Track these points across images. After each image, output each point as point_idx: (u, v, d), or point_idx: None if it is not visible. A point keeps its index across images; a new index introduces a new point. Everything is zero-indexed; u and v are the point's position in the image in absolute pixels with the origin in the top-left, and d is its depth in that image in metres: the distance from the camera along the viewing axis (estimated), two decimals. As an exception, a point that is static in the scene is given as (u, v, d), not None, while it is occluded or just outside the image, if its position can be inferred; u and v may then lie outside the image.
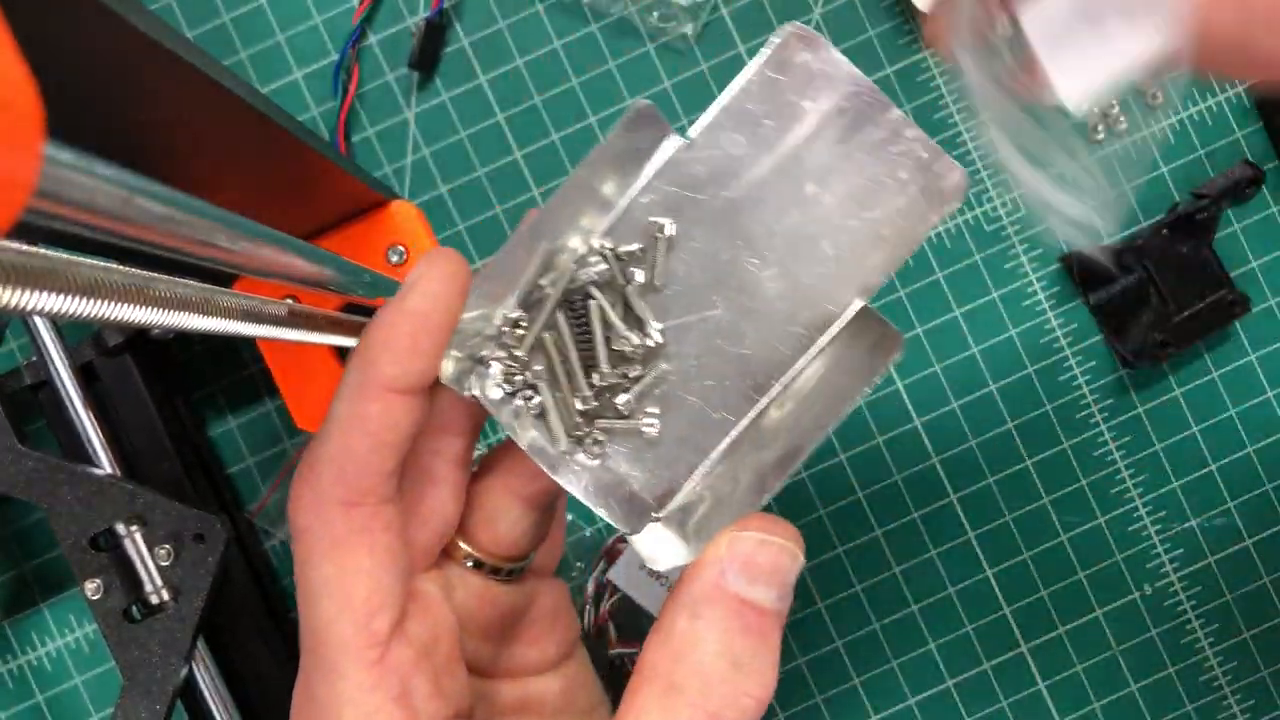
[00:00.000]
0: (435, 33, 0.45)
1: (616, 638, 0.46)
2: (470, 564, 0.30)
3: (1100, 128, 0.47)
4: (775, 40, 0.28)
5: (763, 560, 0.26)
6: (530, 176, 0.46)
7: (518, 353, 0.28)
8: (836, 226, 0.28)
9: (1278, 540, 0.47)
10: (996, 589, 0.47)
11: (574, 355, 0.28)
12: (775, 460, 0.28)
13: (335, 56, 0.46)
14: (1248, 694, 0.46)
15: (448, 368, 0.28)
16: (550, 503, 0.31)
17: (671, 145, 0.28)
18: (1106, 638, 0.47)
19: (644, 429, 0.28)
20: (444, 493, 0.29)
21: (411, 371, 0.27)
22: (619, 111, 0.46)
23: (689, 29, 0.46)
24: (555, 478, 0.28)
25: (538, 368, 0.28)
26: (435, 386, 0.28)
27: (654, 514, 0.28)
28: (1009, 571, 0.47)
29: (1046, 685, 0.47)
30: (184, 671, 0.39)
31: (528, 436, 0.28)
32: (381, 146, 0.46)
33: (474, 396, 0.28)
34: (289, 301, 0.30)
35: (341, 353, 0.40)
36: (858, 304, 0.28)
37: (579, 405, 0.28)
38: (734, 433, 0.28)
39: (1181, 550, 0.47)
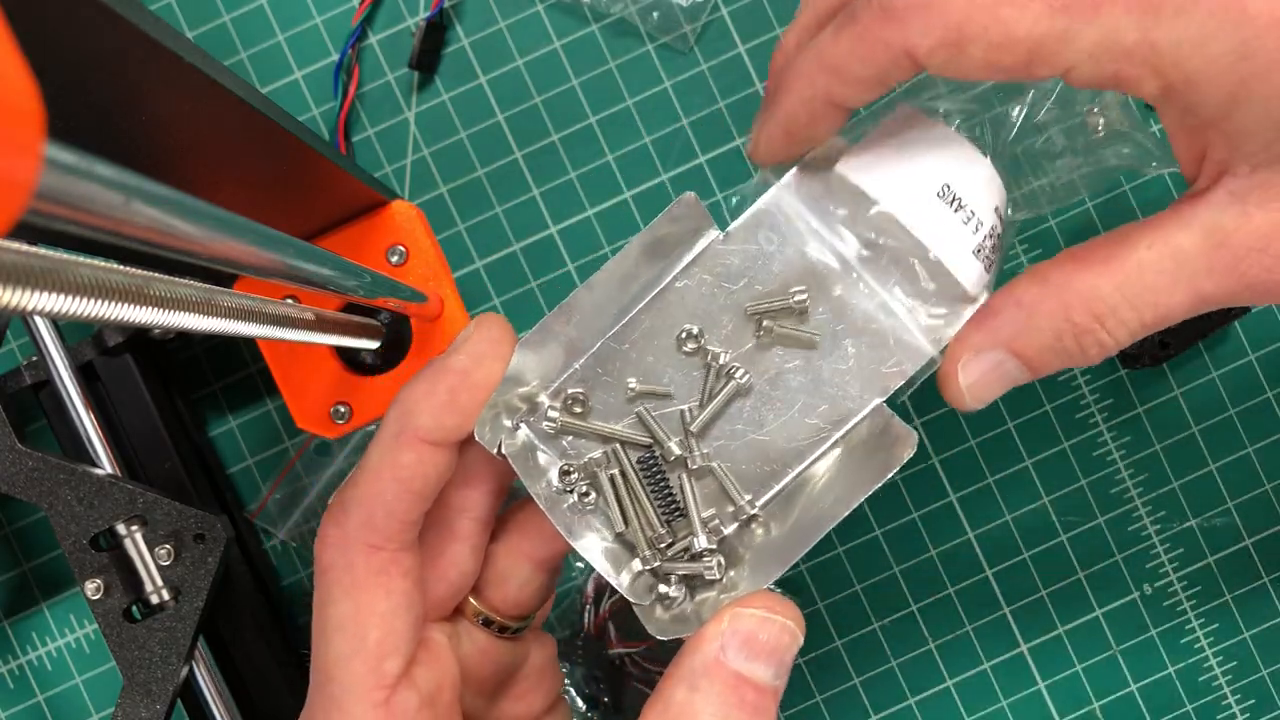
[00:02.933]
0: (435, 33, 0.45)
1: (617, 638, 0.46)
2: (480, 620, 0.31)
3: (1101, 125, 0.47)
4: (817, 150, 0.30)
5: (764, 637, 0.26)
6: (530, 176, 0.46)
7: (582, 460, 0.29)
8: (860, 328, 0.29)
9: (1277, 540, 0.47)
10: (996, 589, 0.47)
11: (643, 493, 0.29)
12: (782, 546, 0.28)
13: (335, 56, 0.46)
14: (1247, 694, 0.46)
15: (484, 426, 0.29)
16: (559, 565, 0.32)
17: (710, 237, 0.29)
18: (1106, 637, 0.47)
19: (705, 572, 0.29)
20: (464, 549, 0.30)
21: (447, 425, 0.28)
22: (619, 112, 0.46)
23: (689, 29, 0.46)
24: (573, 543, 0.29)
25: (593, 456, 0.29)
26: (466, 444, 0.29)
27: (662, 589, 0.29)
28: (1009, 571, 0.47)
29: (1046, 685, 0.47)
30: (184, 671, 0.39)
31: (554, 501, 0.29)
32: (381, 146, 0.46)
33: (504, 456, 0.29)
34: (289, 301, 0.30)
35: (342, 353, 0.40)
36: (875, 403, 0.29)
37: (649, 548, 0.29)
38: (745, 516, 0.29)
39: (1181, 550, 0.47)
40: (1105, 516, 0.47)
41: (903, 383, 0.29)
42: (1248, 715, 0.46)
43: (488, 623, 0.31)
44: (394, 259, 0.40)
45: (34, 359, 0.42)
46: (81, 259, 0.17)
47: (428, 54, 0.45)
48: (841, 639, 0.47)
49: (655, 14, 0.46)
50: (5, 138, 0.12)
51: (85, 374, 0.43)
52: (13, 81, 0.12)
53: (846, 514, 0.28)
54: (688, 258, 0.29)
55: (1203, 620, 0.47)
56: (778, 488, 0.29)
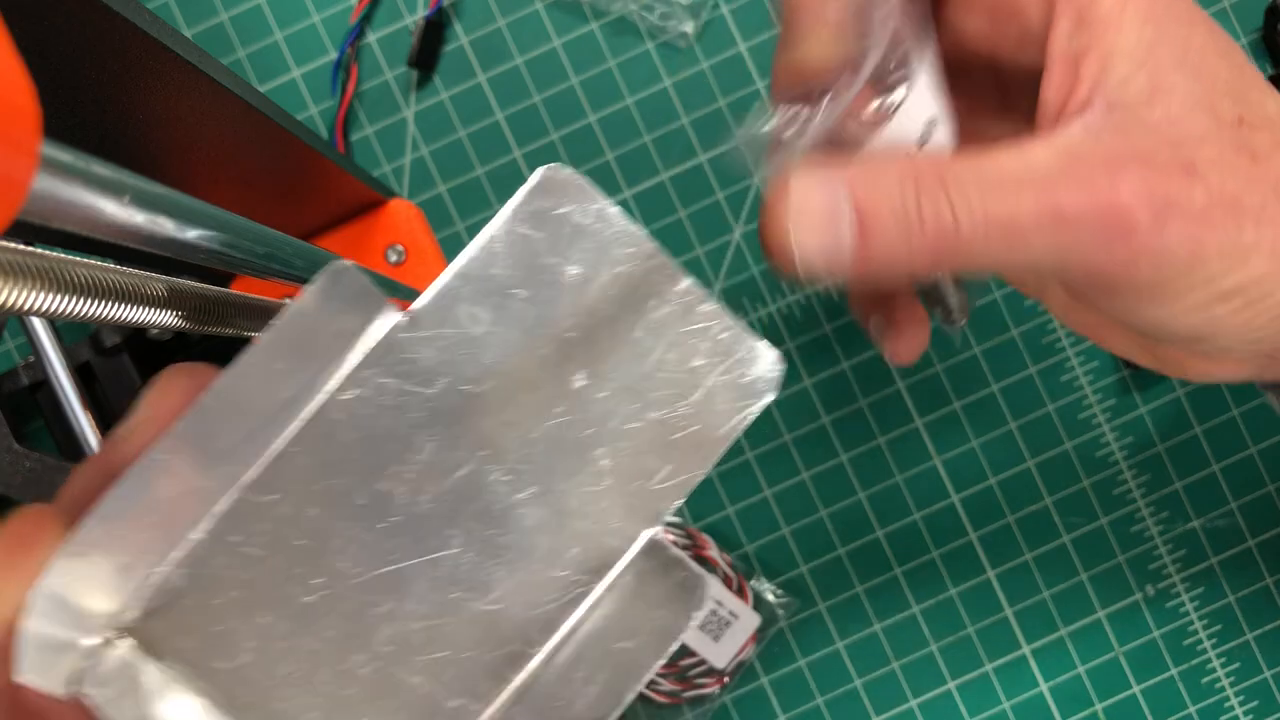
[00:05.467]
0: (434, 31, 0.45)
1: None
2: None
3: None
4: (528, 185, 0.22)
5: None
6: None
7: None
8: (614, 431, 0.22)
9: (1280, 541, 0.47)
10: (999, 590, 0.46)
11: None
12: None
13: (334, 55, 0.46)
14: (1250, 695, 0.46)
15: (43, 662, 0.18)
16: None
17: (387, 322, 0.21)
18: (1109, 639, 0.46)
19: None
20: None
21: None
22: (619, 111, 0.46)
23: (689, 27, 0.46)
24: None
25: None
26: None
27: None
28: (1011, 572, 0.46)
29: (1049, 686, 0.46)
30: (182, 674, 0.39)
31: None
32: (380, 146, 0.46)
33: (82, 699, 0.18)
34: (288, 301, 0.29)
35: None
36: (646, 535, 0.22)
37: None
38: None
39: (1184, 551, 0.46)
40: (1108, 517, 0.46)
41: (681, 500, 0.22)
42: (1251, 717, 0.46)
43: None
44: (393, 258, 0.40)
45: (31, 360, 0.42)
46: (79, 259, 0.17)
47: (427, 52, 0.45)
48: (842, 640, 0.46)
49: (655, 12, 0.46)
50: (3, 136, 0.11)
51: (82, 374, 0.42)
52: (10, 80, 0.12)
53: (632, 698, 0.21)
54: (353, 357, 0.21)
55: (1205, 622, 0.46)
56: (521, 677, 0.21)
